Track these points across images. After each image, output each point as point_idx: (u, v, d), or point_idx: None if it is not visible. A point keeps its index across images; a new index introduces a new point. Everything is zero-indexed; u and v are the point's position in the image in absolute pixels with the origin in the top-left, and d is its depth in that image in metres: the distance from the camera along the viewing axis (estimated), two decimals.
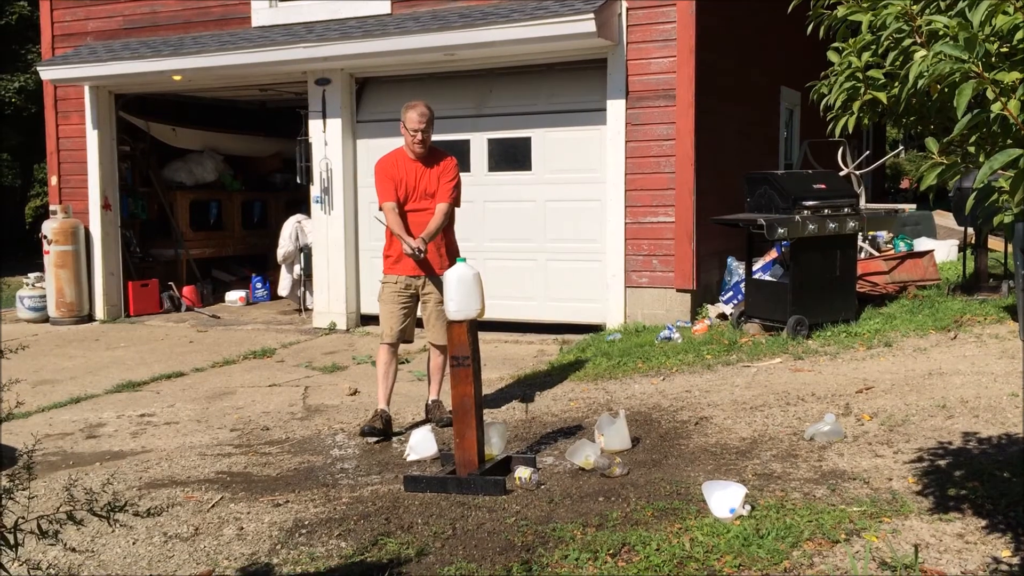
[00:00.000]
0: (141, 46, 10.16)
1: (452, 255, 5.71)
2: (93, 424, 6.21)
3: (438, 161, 5.75)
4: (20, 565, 2.55)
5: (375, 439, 5.49)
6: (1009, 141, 2.46)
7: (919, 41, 2.67)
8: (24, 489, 2.38)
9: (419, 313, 5.86)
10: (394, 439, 5.53)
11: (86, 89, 10.72)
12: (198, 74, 9.88)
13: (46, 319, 10.84)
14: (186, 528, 4.16)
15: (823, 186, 7.78)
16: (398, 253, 5.67)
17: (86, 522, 2.51)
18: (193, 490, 4.71)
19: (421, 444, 5.12)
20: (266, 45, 9.27)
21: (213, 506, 4.44)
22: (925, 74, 2.50)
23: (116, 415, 6.42)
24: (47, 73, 10.55)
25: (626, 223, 8.49)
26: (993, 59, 2.42)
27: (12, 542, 2.31)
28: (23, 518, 2.42)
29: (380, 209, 5.77)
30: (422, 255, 5.48)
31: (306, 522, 4.16)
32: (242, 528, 4.14)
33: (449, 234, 5.83)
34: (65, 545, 2.57)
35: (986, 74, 2.39)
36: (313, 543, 3.90)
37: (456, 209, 5.85)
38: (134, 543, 4.00)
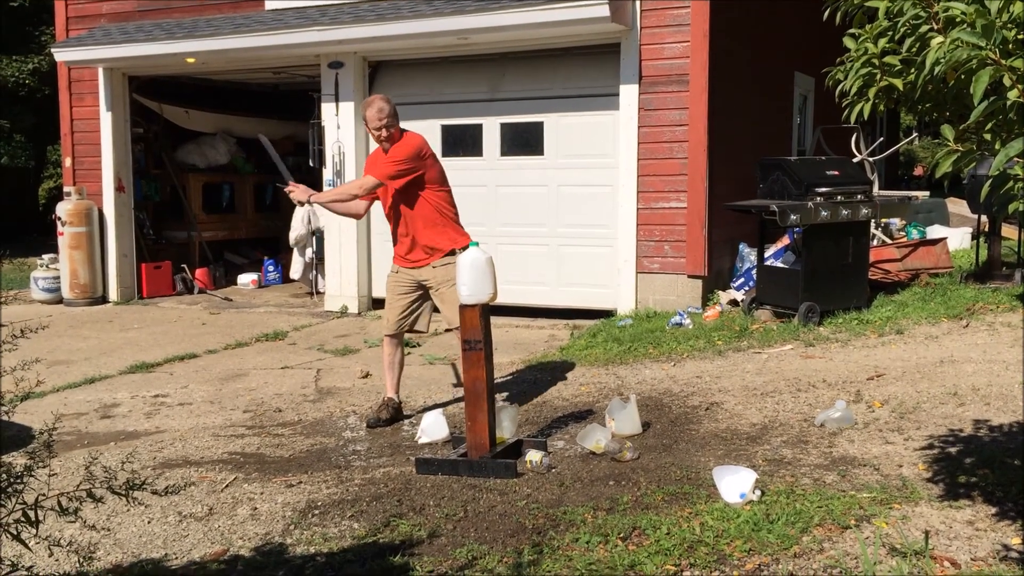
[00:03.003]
0: (155, 28, 10.18)
1: (428, 245, 5.48)
2: (107, 404, 6.27)
3: (397, 142, 5.45)
4: (39, 542, 2.59)
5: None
6: None
7: (936, 28, 2.67)
8: (44, 467, 2.42)
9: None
10: (405, 422, 5.56)
11: (100, 71, 10.75)
12: (211, 57, 9.90)
13: (60, 300, 10.91)
14: (200, 508, 4.21)
15: (836, 173, 7.76)
16: (397, 244, 5.62)
17: (102, 501, 2.54)
18: (207, 470, 4.75)
19: (432, 427, 5.15)
20: (279, 28, 9.27)
21: (227, 486, 4.49)
22: (942, 61, 2.49)
23: (130, 396, 6.48)
24: (61, 55, 10.58)
25: (638, 208, 8.48)
26: (1010, 46, 2.42)
27: (33, 519, 2.35)
28: (43, 495, 2.45)
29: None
30: (286, 190, 5.56)
31: (319, 503, 4.19)
32: (256, 508, 4.18)
33: (418, 223, 5.47)
34: (84, 523, 2.60)
35: (1003, 61, 2.39)
36: (326, 524, 3.94)
37: (400, 189, 5.42)
38: (149, 522, 4.05)
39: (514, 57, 9.09)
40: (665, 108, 8.32)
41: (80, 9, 11.10)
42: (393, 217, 5.59)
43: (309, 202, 5.56)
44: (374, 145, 9.45)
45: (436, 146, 8.04)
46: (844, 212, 7.44)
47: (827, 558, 3.32)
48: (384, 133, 5.39)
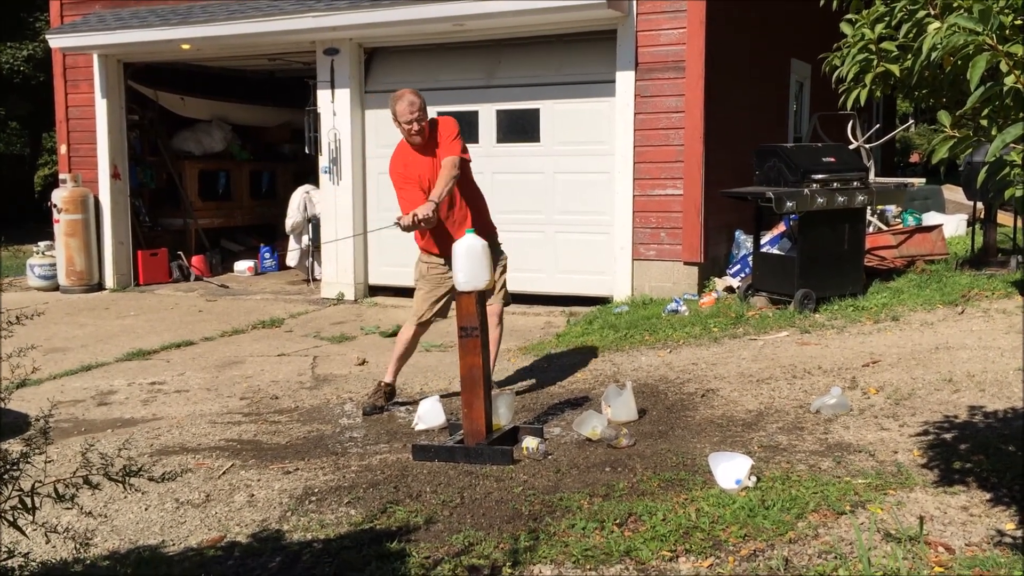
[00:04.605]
0: (149, 14, 10.13)
1: (484, 226, 5.35)
2: (104, 392, 6.27)
3: (434, 130, 5.38)
4: (36, 529, 2.59)
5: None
6: (1022, 114, 2.45)
7: (933, 13, 2.66)
8: (41, 453, 2.42)
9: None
10: (402, 408, 5.56)
11: (95, 58, 10.70)
12: (206, 43, 9.86)
13: (56, 287, 10.90)
14: (197, 494, 4.21)
15: (832, 159, 7.75)
16: (429, 234, 5.42)
17: (99, 488, 2.54)
18: (204, 457, 4.76)
19: (429, 414, 5.15)
20: (275, 14, 9.23)
21: (224, 473, 4.49)
22: (939, 46, 2.49)
23: (127, 383, 6.48)
24: (56, 41, 10.53)
25: (634, 195, 8.47)
26: (1007, 32, 2.42)
27: (30, 505, 2.35)
28: (40, 482, 2.45)
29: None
30: (422, 225, 5.07)
31: (316, 490, 4.20)
32: (253, 495, 4.19)
33: (470, 207, 5.43)
34: (81, 509, 2.61)
35: (1000, 47, 2.38)
36: (323, 510, 3.95)
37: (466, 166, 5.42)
38: (146, 509, 4.06)
39: (510, 44, 9.06)
40: (661, 95, 8.30)
41: None
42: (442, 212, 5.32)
43: (437, 204, 5.12)
44: (371, 132, 9.56)
45: None
46: (840, 199, 7.44)
47: (822, 544, 3.33)
48: (415, 127, 5.28)
